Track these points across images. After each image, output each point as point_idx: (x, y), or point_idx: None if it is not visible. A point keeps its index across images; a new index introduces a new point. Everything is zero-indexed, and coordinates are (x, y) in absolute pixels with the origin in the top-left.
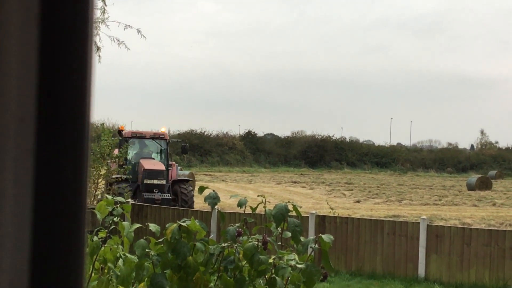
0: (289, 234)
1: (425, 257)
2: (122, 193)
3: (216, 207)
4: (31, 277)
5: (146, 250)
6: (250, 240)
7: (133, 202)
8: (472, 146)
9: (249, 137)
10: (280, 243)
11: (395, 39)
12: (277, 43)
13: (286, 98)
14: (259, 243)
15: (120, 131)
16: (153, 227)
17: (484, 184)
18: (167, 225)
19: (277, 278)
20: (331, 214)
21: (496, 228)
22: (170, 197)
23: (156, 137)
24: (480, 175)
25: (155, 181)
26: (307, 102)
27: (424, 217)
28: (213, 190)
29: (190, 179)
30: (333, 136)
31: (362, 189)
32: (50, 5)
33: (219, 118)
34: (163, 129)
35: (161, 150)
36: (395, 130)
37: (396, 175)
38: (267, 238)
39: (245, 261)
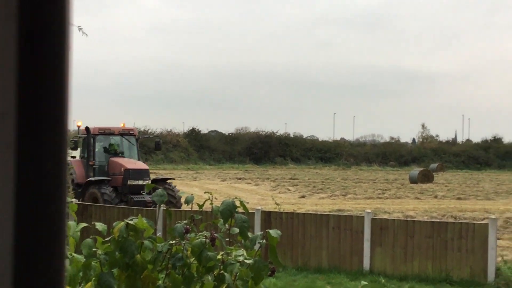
0: (236, 230)
1: (370, 250)
2: (109, 200)
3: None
4: (14, 271)
5: (93, 249)
6: (197, 237)
7: (77, 202)
8: (413, 139)
9: (193, 134)
10: (228, 239)
11: (338, 35)
12: (222, 40)
13: (230, 95)
14: (207, 240)
15: (88, 128)
16: (99, 226)
17: (426, 177)
18: (114, 224)
19: (225, 274)
20: (276, 210)
21: (438, 220)
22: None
23: (125, 133)
24: (421, 168)
25: (140, 182)
26: (252, 98)
27: (368, 210)
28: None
29: (171, 177)
30: (277, 132)
31: (306, 184)
32: (28, 2)
33: (163, 116)
34: (122, 124)
35: (131, 147)
36: (338, 125)
37: (340, 169)
38: (215, 235)
39: (193, 258)
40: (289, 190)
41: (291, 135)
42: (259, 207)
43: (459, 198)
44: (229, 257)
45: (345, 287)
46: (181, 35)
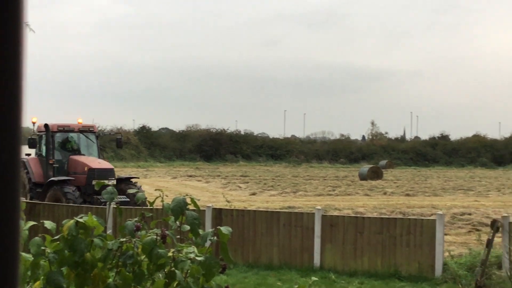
0: (187, 227)
1: (320, 247)
2: (73, 200)
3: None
4: None
5: (42, 248)
6: (148, 234)
7: (24, 200)
8: (363, 137)
9: (143, 132)
10: (178, 236)
11: (290, 32)
12: (172, 36)
13: (181, 92)
14: (158, 237)
15: (47, 125)
16: (48, 224)
17: (375, 174)
18: (63, 222)
19: (176, 271)
20: (227, 207)
21: (387, 216)
22: (128, 199)
23: (85, 130)
24: (371, 165)
25: (106, 182)
26: (202, 95)
27: (319, 207)
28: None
29: (136, 176)
30: (228, 129)
31: (257, 181)
32: None
33: (112, 113)
34: (80, 120)
35: (90, 144)
36: (289, 122)
37: (290, 167)
38: (166, 232)
39: (144, 256)
40: (239, 187)
41: (242, 133)
42: (210, 205)
43: (407, 195)
44: (180, 254)
45: (296, 284)
46: (129, 31)
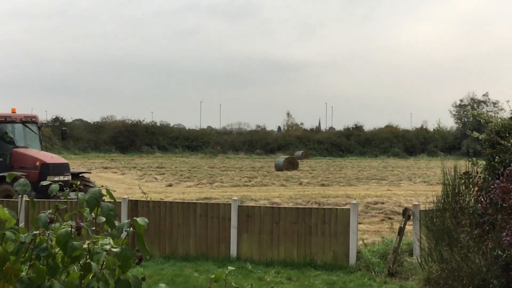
0: (103, 219)
1: (236, 237)
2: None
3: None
4: None
5: None
6: (62, 226)
7: None
8: (279, 128)
9: (57, 123)
10: (94, 228)
11: (206, 23)
12: (85, 26)
13: (95, 83)
14: (73, 229)
15: None
16: None
17: (291, 164)
18: None
19: (92, 263)
20: (143, 199)
21: (303, 206)
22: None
23: (27, 120)
24: (287, 156)
25: (61, 177)
26: (117, 86)
27: (235, 198)
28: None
29: (88, 171)
30: (143, 120)
31: (173, 173)
32: None
33: (23, 103)
34: (12, 110)
35: (30, 136)
36: (205, 113)
37: (207, 158)
38: (81, 224)
39: (58, 248)
40: (156, 179)
41: (158, 124)
42: (126, 196)
43: (322, 185)
44: (96, 246)
45: (213, 274)
46: (40, 20)
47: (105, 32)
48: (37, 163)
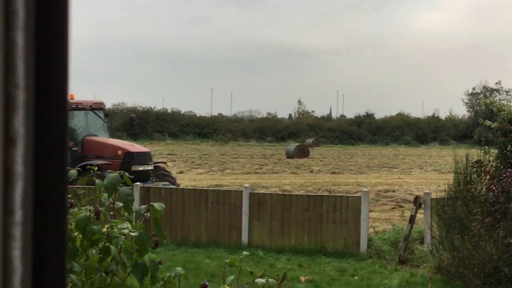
0: (120, 204)
1: (248, 224)
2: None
3: None
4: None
5: None
6: (81, 211)
7: None
8: (290, 115)
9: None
10: (112, 213)
11: (216, 10)
12: (94, 12)
13: (107, 70)
14: (92, 214)
15: None
16: None
17: (302, 152)
18: None
19: (111, 246)
20: (154, 185)
21: (314, 194)
22: (176, 184)
23: (96, 107)
24: (298, 144)
25: (146, 167)
26: (129, 73)
27: (247, 185)
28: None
29: (163, 161)
30: (154, 107)
31: (185, 160)
32: None
33: None
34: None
35: (97, 123)
36: (216, 100)
37: (218, 145)
38: (99, 208)
39: (77, 232)
40: (167, 165)
41: (169, 111)
42: (137, 183)
43: (333, 172)
44: (114, 230)
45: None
46: None
47: (115, 19)
48: (119, 152)
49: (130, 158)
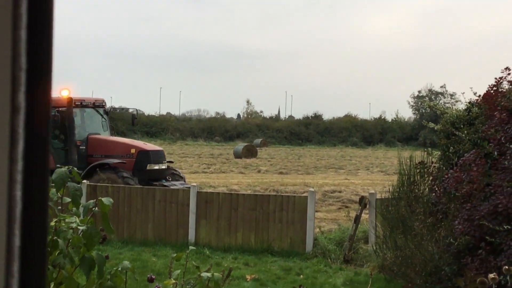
0: (68, 199)
1: (195, 223)
2: (132, 185)
3: None
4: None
5: None
6: None
7: None
8: (238, 115)
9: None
10: (60, 207)
11: (166, 8)
12: None
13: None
14: None
15: (71, 99)
16: None
17: (250, 152)
18: None
19: (59, 240)
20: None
21: (261, 193)
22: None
23: (97, 105)
24: (246, 143)
25: (160, 166)
26: (74, 70)
27: (194, 184)
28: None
29: (171, 160)
30: None
31: None
32: None
33: None
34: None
35: (96, 121)
36: (164, 99)
37: (166, 144)
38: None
39: None
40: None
41: (117, 109)
42: (85, 181)
43: (281, 173)
44: (62, 224)
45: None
46: None
47: (63, 15)
48: (132, 151)
49: (145, 156)
